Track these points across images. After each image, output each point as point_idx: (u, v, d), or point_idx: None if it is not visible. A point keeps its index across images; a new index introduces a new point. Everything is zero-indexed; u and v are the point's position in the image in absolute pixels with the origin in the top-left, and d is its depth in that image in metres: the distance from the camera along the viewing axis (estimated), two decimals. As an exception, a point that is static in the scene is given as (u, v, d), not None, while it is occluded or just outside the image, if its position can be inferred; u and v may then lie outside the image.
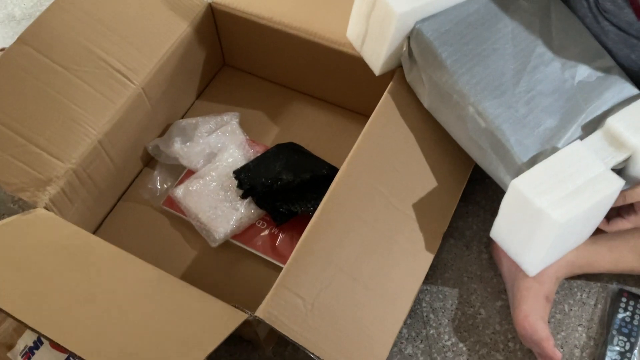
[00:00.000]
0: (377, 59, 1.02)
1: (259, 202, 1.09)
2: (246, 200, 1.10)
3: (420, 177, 0.96)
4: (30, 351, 0.91)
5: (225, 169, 1.13)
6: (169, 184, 1.17)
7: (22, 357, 0.90)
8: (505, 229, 0.89)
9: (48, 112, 1.00)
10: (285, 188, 1.08)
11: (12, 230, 0.90)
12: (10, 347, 0.92)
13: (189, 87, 1.25)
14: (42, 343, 0.91)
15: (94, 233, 1.11)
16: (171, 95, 1.19)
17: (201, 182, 1.11)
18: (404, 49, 0.99)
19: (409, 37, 0.98)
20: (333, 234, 0.89)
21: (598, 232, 0.94)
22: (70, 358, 0.90)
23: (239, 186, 1.10)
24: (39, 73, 1.02)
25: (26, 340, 0.91)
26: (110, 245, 0.94)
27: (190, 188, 1.11)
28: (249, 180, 1.09)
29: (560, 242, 0.87)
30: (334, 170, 1.07)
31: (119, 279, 0.88)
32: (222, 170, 1.13)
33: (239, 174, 1.10)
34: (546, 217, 0.79)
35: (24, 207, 0.99)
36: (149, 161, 1.22)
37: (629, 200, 0.86)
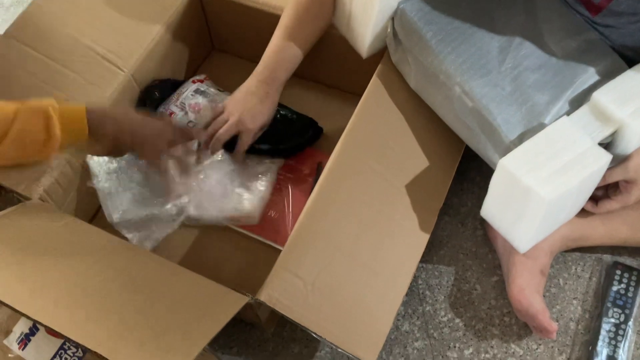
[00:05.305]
0: (362, 42, 1.01)
1: (249, 150, 1.07)
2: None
3: (415, 155, 0.95)
4: (27, 338, 0.91)
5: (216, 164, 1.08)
6: None
7: (18, 343, 0.91)
8: (495, 208, 0.89)
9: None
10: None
11: (6, 223, 0.90)
12: (6, 334, 0.92)
13: (178, 72, 1.24)
14: (37, 329, 0.91)
15: (90, 222, 1.11)
16: (161, 81, 1.18)
17: (203, 185, 1.05)
18: (389, 30, 0.98)
19: (393, 18, 0.96)
20: (331, 213, 0.89)
21: (590, 206, 0.94)
22: (66, 343, 0.91)
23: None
24: (27, 65, 1.02)
25: (22, 327, 0.92)
26: (107, 233, 0.95)
27: (200, 204, 1.05)
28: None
29: (550, 218, 0.87)
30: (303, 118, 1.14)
31: (116, 266, 0.88)
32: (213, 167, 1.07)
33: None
34: (535, 195, 0.79)
35: (20, 199, 0.98)
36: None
37: (608, 180, 0.86)
